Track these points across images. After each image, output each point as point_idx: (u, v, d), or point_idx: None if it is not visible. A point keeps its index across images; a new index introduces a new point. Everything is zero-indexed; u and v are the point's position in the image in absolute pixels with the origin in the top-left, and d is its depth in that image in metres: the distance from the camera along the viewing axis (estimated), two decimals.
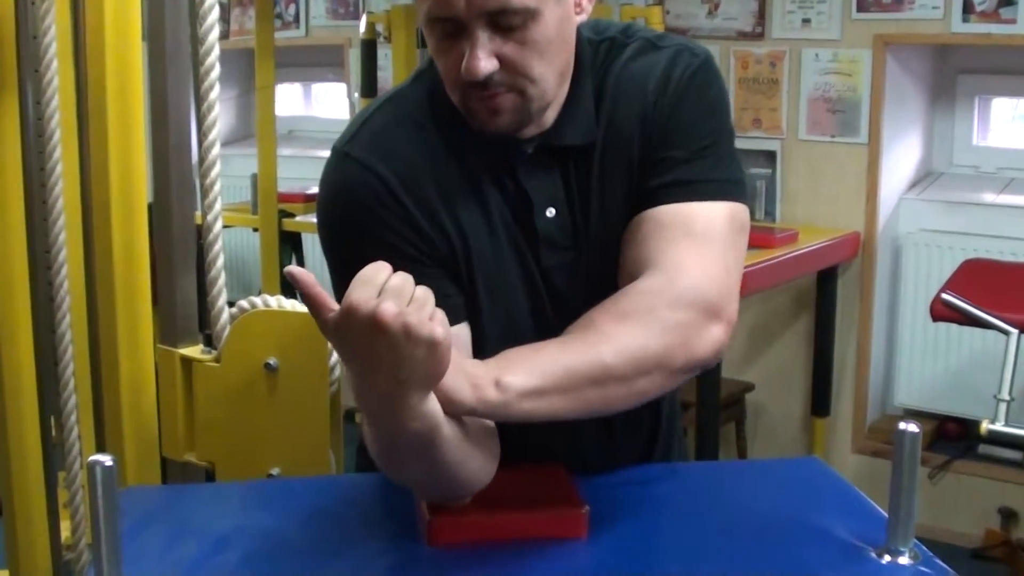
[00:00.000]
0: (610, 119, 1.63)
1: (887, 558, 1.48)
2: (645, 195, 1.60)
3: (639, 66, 1.64)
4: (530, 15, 1.47)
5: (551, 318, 1.64)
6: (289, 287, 4.56)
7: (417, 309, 1.25)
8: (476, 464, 1.46)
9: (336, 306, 1.27)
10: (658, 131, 1.62)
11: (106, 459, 1.26)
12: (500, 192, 1.62)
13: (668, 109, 1.62)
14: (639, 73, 1.64)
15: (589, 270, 1.65)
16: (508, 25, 1.47)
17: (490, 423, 1.50)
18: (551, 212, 1.62)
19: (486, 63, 1.47)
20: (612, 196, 1.63)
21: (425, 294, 1.28)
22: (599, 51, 1.64)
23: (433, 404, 1.33)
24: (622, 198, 1.63)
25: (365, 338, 1.24)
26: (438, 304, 1.29)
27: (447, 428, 1.36)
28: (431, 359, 1.26)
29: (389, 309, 1.22)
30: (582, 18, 1.58)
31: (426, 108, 1.63)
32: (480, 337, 1.61)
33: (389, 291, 1.25)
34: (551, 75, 1.54)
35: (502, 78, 1.49)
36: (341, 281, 1.57)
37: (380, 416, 1.32)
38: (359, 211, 1.56)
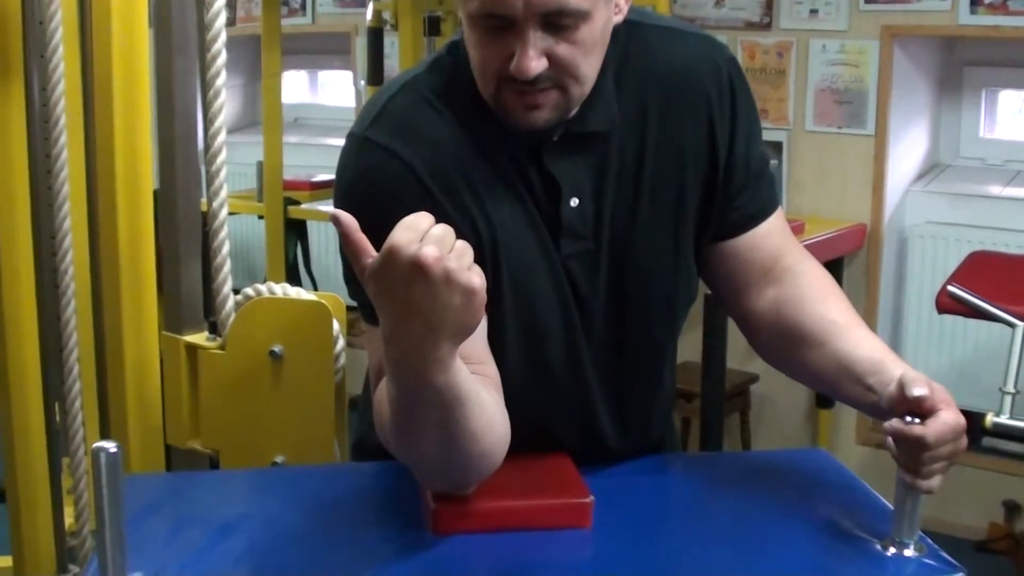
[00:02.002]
0: (647, 114, 1.65)
1: (892, 550, 1.48)
2: (735, 216, 1.73)
3: (677, 57, 1.67)
4: (583, 16, 1.48)
5: (573, 309, 1.65)
6: (294, 275, 4.55)
7: (457, 257, 1.28)
8: (489, 442, 1.45)
9: (375, 253, 1.29)
10: (728, 144, 1.69)
11: (110, 446, 1.26)
12: (523, 179, 1.61)
13: (731, 115, 1.69)
14: (683, 66, 1.67)
15: (610, 261, 1.67)
16: (560, 25, 1.47)
17: (502, 404, 1.50)
18: (575, 202, 1.63)
19: (537, 62, 1.48)
20: (648, 188, 1.65)
21: (465, 247, 1.30)
22: (617, 36, 1.63)
23: (460, 364, 1.35)
24: (666, 193, 1.66)
25: (404, 281, 1.26)
26: None
27: (469, 395, 1.38)
28: (466, 307, 1.29)
29: (431, 252, 1.25)
30: (619, 19, 1.59)
31: (445, 95, 1.62)
32: (501, 327, 1.61)
33: (431, 237, 1.28)
34: (592, 74, 1.56)
35: (548, 76, 1.50)
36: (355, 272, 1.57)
37: (407, 366, 1.33)
38: (383, 197, 1.53)
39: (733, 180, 1.71)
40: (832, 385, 1.67)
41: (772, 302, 1.74)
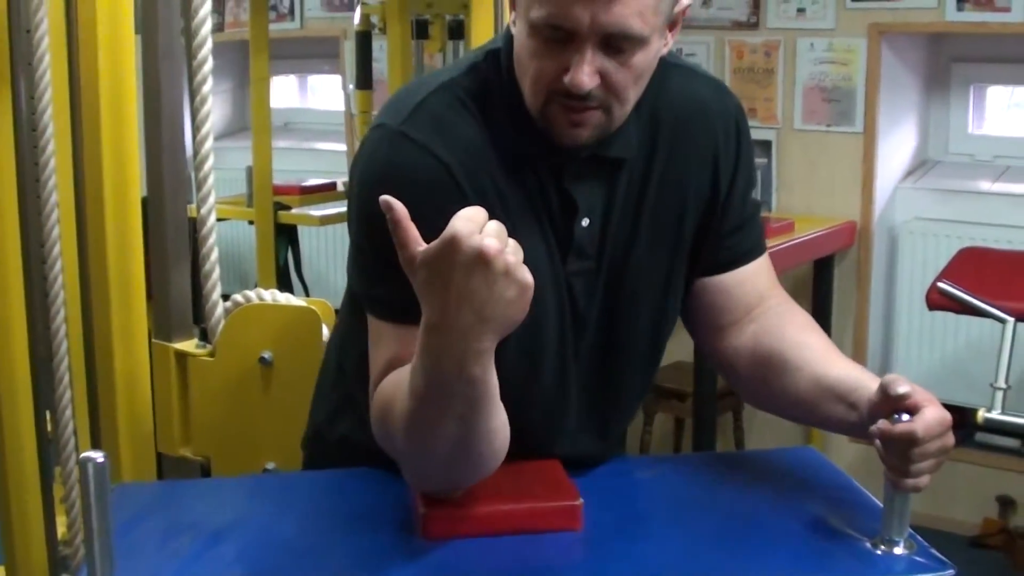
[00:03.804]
0: (655, 144, 1.68)
1: (882, 548, 1.48)
2: (726, 253, 1.76)
3: (690, 96, 1.72)
4: (641, 42, 1.51)
5: (569, 326, 1.68)
6: (285, 280, 4.53)
7: (513, 252, 1.31)
8: (498, 444, 1.47)
9: (423, 243, 1.31)
10: (729, 185, 1.74)
11: (98, 456, 1.26)
12: (542, 195, 1.63)
13: (735, 158, 1.74)
14: (695, 103, 1.71)
15: (607, 283, 1.69)
16: (618, 48, 1.50)
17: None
18: (586, 222, 1.65)
19: (591, 79, 1.50)
20: (649, 215, 1.68)
21: (516, 245, 1.32)
22: None
23: (493, 361, 1.37)
24: (665, 222, 1.70)
25: (464, 270, 1.28)
26: None
27: (494, 394, 1.40)
28: (518, 303, 1.32)
29: (495, 244, 1.28)
30: (664, 51, 1.61)
31: (479, 101, 1.62)
32: (505, 338, 1.60)
33: (491, 231, 1.30)
34: (635, 100, 1.59)
35: (598, 94, 1.52)
36: (374, 264, 1.57)
37: (447, 356, 1.34)
38: (415, 193, 1.46)
39: (728, 219, 1.75)
40: (813, 408, 1.67)
41: (751, 336, 1.77)
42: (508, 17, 2.81)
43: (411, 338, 1.49)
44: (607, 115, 1.56)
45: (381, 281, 1.54)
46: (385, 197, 1.32)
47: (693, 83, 1.73)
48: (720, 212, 1.73)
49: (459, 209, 1.34)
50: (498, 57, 1.65)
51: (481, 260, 1.28)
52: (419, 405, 1.40)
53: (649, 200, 1.68)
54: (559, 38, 1.49)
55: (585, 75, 1.49)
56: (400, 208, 1.32)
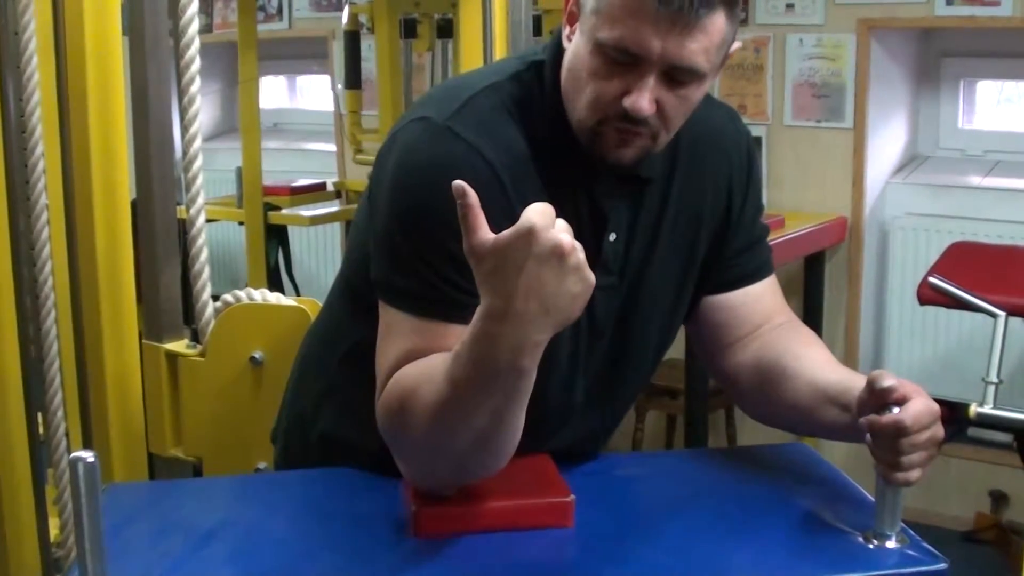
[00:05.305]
0: (675, 166, 1.72)
1: (874, 542, 1.48)
2: (734, 272, 1.81)
3: (707, 121, 1.75)
4: (700, 77, 1.54)
5: (584, 339, 1.69)
6: (276, 280, 4.51)
7: (581, 250, 1.33)
8: (516, 442, 1.47)
9: (491, 234, 1.31)
10: (740, 208, 1.79)
11: (88, 455, 1.26)
12: (574, 208, 1.63)
13: (747, 183, 1.80)
14: (711, 128, 1.77)
15: (623, 298, 1.71)
16: (679, 80, 1.53)
17: None
18: (613, 237, 1.67)
19: (650, 105, 1.52)
20: (666, 234, 1.72)
21: (580, 244, 1.34)
22: None
23: (539, 360, 1.39)
24: (680, 240, 1.74)
25: (538, 260, 1.30)
26: None
27: (530, 391, 1.41)
28: (580, 299, 1.35)
29: (569, 240, 1.31)
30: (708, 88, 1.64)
31: (523, 109, 1.63)
32: None
33: (562, 227, 1.32)
34: (677, 130, 1.61)
35: (652, 121, 1.55)
36: (405, 256, 1.55)
37: (503, 345, 1.34)
38: None
39: (737, 239, 1.79)
40: (810, 414, 1.69)
41: (755, 351, 1.79)
42: (499, 16, 2.80)
43: (433, 332, 1.51)
44: (653, 141, 1.58)
45: (409, 273, 1.53)
46: (459, 182, 1.32)
47: (708, 109, 1.75)
48: (731, 234, 1.78)
49: (501, 213, 1.36)
50: (541, 69, 1.65)
51: (556, 253, 1.30)
52: (456, 394, 1.40)
53: (668, 218, 1.71)
54: (624, 61, 1.51)
55: (646, 101, 1.51)
56: (472, 194, 1.31)
